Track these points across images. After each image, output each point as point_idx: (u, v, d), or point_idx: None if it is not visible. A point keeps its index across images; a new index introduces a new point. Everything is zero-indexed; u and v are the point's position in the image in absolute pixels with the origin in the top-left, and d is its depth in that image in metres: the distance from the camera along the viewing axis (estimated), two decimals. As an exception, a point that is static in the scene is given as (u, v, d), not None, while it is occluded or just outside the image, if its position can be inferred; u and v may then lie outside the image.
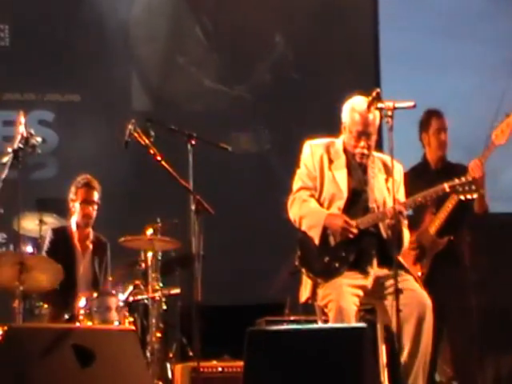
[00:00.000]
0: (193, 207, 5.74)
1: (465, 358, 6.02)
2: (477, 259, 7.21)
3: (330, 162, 5.35)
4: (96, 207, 6.84)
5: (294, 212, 5.33)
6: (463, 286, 6.09)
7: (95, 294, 6.44)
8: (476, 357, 6.11)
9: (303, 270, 5.28)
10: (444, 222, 5.91)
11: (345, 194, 5.29)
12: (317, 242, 5.22)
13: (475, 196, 5.38)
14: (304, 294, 5.31)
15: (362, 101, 5.27)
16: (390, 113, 5.07)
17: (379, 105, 5.13)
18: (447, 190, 5.30)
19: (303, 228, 5.28)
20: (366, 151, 5.30)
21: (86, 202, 6.77)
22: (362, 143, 5.29)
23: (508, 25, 8.74)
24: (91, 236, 6.90)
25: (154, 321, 6.44)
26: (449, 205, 5.87)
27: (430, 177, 5.91)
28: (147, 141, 6.03)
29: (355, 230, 5.19)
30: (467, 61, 8.69)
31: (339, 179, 5.31)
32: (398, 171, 5.38)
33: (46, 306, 6.52)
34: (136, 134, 6.02)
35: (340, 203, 5.28)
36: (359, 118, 5.26)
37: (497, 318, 7.44)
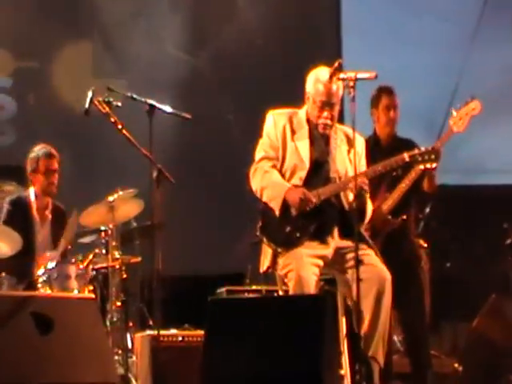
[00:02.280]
0: (154, 176, 5.72)
1: (414, 328, 6.10)
2: (434, 230, 7.31)
3: (293, 132, 5.36)
4: (57, 175, 6.79)
5: (255, 183, 5.34)
6: (412, 258, 6.15)
7: (54, 262, 6.40)
8: (427, 327, 6.19)
9: (264, 240, 5.29)
10: (398, 201, 5.95)
11: (307, 165, 5.31)
12: (277, 213, 5.23)
13: (435, 165, 5.42)
14: (265, 263, 5.33)
15: (326, 72, 5.28)
16: (351, 83, 5.08)
17: (341, 75, 5.15)
18: (407, 159, 5.34)
19: (264, 199, 5.30)
20: (329, 122, 5.32)
21: (50, 171, 6.71)
22: (326, 113, 5.30)
23: (467, 0, 8.79)
24: (50, 205, 6.84)
25: (113, 290, 6.42)
26: (404, 185, 5.90)
27: (381, 152, 5.92)
28: (107, 108, 5.98)
29: (313, 205, 5.19)
30: (427, 35, 8.73)
31: (301, 150, 5.32)
32: (360, 143, 5.40)
33: (3, 274, 6.46)
34: (96, 102, 5.97)
35: (302, 174, 5.30)
36: (323, 89, 5.27)
37: (454, 287, 7.54)
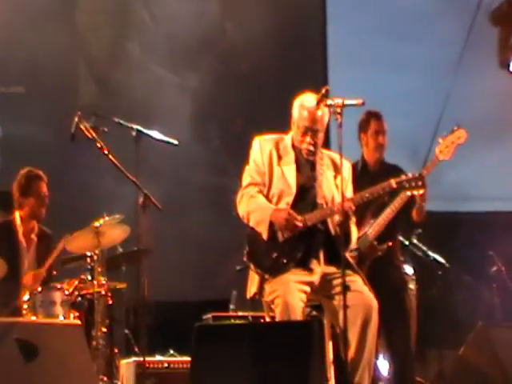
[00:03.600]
0: (140, 202, 5.71)
1: (401, 353, 6.11)
2: (420, 257, 7.32)
3: (279, 157, 5.38)
4: (47, 200, 6.79)
5: (242, 208, 5.34)
6: (398, 285, 6.18)
7: (39, 288, 6.36)
8: (413, 352, 6.19)
9: (251, 266, 5.28)
10: (384, 227, 5.97)
11: (293, 190, 5.31)
12: (265, 236, 5.23)
13: (422, 192, 5.44)
14: (251, 289, 5.32)
15: (312, 98, 5.31)
16: (338, 110, 5.10)
17: (328, 101, 5.16)
18: (394, 186, 5.34)
19: (251, 224, 5.29)
20: (311, 148, 5.34)
21: (41, 194, 6.71)
22: (308, 139, 5.32)
23: (452, 26, 8.85)
24: (36, 229, 6.82)
25: (99, 316, 6.37)
26: (390, 211, 5.93)
27: (369, 177, 5.98)
28: (94, 134, 5.99)
29: (300, 224, 5.20)
30: (413, 61, 8.78)
31: (288, 175, 5.33)
32: (347, 169, 5.41)
33: (-12, 300, 6.42)
34: (82, 127, 5.98)
35: (289, 199, 5.30)
36: (307, 114, 5.30)
37: (440, 314, 7.55)
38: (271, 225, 5.23)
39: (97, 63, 8.69)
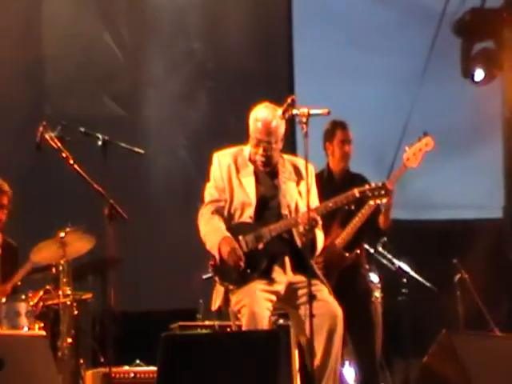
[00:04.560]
0: (106, 212, 5.70)
1: (367, 359, 6.15)
2: (385, 264, 7.36)
3: (238, 170, 5.37)
4: (6, 211, 6.72)
5: (201, 228, 5.37)
6: (363, 293, 6.22)
7: (3, 299, 6.31)
8: (378, 360, 6.23)
9: (216, 278, 5.29)
10: (351, 236, 6.01)
11: (253, 201, 5.31)
12: (218, 260, 5.24)
13: (384, 201, 5.48)
14: (216, 301, 5.32)
15: (266, 110, 5.32)
16: (304, 119, 5.12)
17: (294, 111, 5.16)
18: (357, 195, 5.36)
19: (207, 247, 5.31)
20: (263, 159, 5.33)
21: (3, 207, 6.65)
22: (261, 151, 5.32)
23: (416, 35, 8.93)
24: (0, 240, 6.77)
25: (64, 326, 6.34)
26: (357, 219, 5.96)
27: (334, 186, 6.01)
28: (59, 144, 5.97)
29: (242, 261, 5.18)
30: (378, 71, 8.85)
31: (247, 186, 5.33)
32: (310, 172, 5.37)
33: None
34: (48, 137, 5.95)
35: (250, 211, 5.30)
36: (260, 126, 5.29)
37: (405, 322, 7.59)
38: None
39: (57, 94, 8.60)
